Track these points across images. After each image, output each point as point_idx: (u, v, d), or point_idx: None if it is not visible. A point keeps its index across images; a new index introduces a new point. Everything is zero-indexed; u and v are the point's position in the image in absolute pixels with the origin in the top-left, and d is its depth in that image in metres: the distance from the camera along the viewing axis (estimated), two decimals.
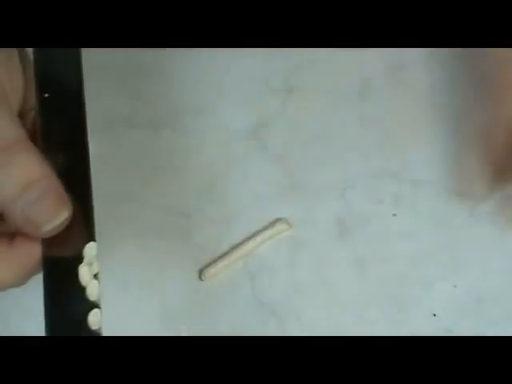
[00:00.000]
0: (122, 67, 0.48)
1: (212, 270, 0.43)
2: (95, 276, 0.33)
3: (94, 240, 0.34)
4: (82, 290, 0.33)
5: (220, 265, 0.43)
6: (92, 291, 0.33)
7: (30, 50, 0.36)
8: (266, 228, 0.44)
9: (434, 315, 0.41)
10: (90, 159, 0.47)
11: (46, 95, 0.35)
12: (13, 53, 0.36)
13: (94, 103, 0.46)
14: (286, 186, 0.45)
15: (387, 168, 0.45)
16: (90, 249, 0.34)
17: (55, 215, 0.33)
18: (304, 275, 0.43)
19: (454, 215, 0.42)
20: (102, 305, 0.33)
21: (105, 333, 0.33)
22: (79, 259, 0.33)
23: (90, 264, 0.34)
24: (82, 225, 0.34)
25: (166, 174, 0.46)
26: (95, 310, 0.33)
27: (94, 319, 0.33)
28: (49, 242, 0.33)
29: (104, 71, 0.48)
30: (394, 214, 0.44)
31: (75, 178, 0.34)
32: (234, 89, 0.48)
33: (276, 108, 0.48)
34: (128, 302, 0.43)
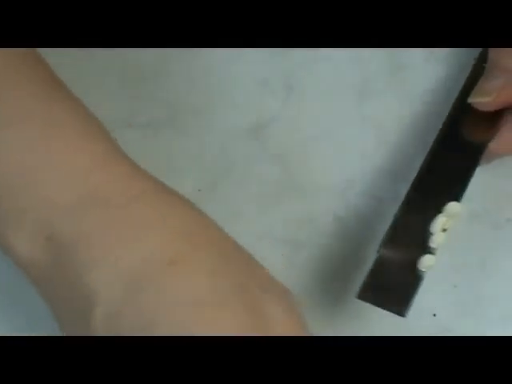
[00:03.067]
0: (122, 67, 0.48)
1: None
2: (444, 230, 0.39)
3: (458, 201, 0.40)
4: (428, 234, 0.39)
5: None
6: (436, 240, 0.39)
7: None
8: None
9: (434, 315, 0.41)
10: None
11: None
12: None
13: (94, 103, 0.46)
14: (286, 186, 0.45)
15: (387, 168, 0.45)
16: (452, 206, 0.39)
17: None
18: (304, 275, 0.43)
19: None
20: None
21: None
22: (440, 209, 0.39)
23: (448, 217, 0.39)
24: None
25: (166, 173, 0.46)
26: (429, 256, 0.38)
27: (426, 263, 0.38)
28: None
29: (104, 71, 0.48)
30: (394, 214, 0.44)
31: None
32: (234, 89, 0.48)
33: (276, 108, 0.47)
34: None
